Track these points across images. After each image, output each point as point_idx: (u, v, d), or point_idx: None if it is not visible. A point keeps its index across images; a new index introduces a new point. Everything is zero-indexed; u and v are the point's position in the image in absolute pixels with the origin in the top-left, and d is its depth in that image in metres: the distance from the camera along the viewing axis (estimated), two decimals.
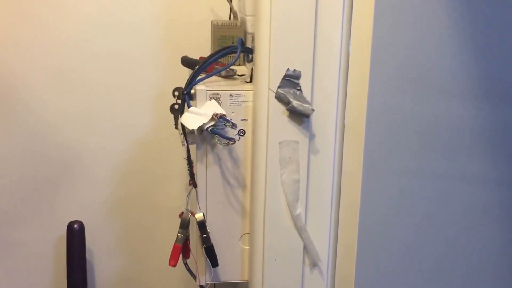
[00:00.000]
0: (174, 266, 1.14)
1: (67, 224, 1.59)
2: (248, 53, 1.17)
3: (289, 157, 1.06)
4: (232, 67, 1.18)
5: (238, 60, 1.15)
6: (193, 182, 1.12)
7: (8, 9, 1.50)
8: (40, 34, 1.52)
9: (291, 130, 1.04)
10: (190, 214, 1.14)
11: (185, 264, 1.19)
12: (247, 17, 1.09)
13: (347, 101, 1.04)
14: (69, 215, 1.62)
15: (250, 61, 1.17)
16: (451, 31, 0.95)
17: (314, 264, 1.10)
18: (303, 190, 1.07)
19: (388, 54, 0.96)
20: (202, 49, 1.41)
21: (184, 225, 1.14)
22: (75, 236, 1.57)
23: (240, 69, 1.26)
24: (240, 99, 1.10)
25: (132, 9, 1.53)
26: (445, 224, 1.03)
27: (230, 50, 1.15)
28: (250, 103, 1.10)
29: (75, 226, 1.58)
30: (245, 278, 1.18)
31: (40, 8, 1.51)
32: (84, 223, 1.60)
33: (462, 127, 0.99)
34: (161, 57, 1.56)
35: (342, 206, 1.08)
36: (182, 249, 1.15)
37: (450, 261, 1.05)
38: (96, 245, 1.67)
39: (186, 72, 1.28)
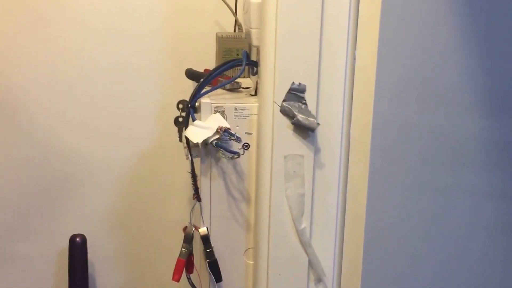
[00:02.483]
0: (178, 281, 1.13)
1: (69, 237, 1.58)
2: (253, 66, 1.17)
3: (294, 171, 1.05)
4: (237, 79, 1.17)
5: (243, 73, 1.15)
6: (197, 196, 1.11)
7: (12, 20, 1.50)
8: (44, 44, 1.52)
9: (296, 144, 1.04)
10: (193, 228, 1.13)
11: (189, 278, 1.18)
12: (252, 30, 1.09)
13: (352, 115, 1.03)
14: (71, 228, 1.61)
15: (255, 73, 1.16)
16: (457, 43, 0.94)
17: (319, 280, 1.09)
18: (308, 205, 1.06)
19: (394, 67, 0.96)
20: (206, 61, 1.41)
21: (188, 239, 1.13)
22: (77, 249, 1.56)
23: (245, 81, 1.26)
24: (245, 112, 1.09)
25: (137, 20, 1.53)
26: (451, 238, 1.02)
27: (235, 63, 1.14)
28: (255, 117, 1.09)
29: (78, 239, 1.56)
30: None
31: (44, 18, 1.51)
32: (86, 236, 1.59)
33: (468, 140, 0.98)
34: (165, 69, 1.56)
35: (348, 220, 1.07)
36: (186, 263, 1.13)
37: (456, 275, 1.03)
38: (98, 258, 1.66)
39: (190, 84, 1.28)
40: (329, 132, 1.04)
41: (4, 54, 1.52)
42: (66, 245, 1.58)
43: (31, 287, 1.67)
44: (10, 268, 1.65)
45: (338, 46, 1.01)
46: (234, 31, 1.43)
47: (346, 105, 1.03)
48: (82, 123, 1.58)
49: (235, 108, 1.09)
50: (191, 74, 1.28)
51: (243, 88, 1.21)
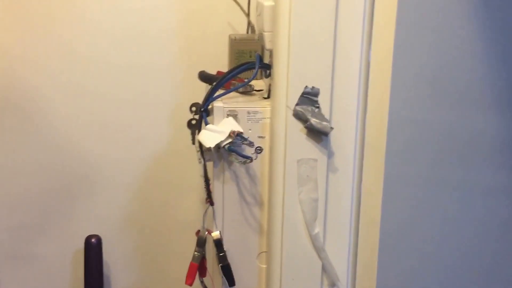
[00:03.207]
0: (191, 285, 1.13)
1: (84, 238, 1.59)
2: (266, 69, 1.16)
3: (307, 175, 1.04)
4: (250, 82, 1.17)
5: (255, 76, 1.14)
6: (209, 200, 1.11)
7: (28, 24, 1.52)
8: (59, 48, 1.53)
9: (309, 148, 1.03)
10: (206, 232, 1.13)
11: (202, 282, 1.18)
12: (265, 33, 1.08)
13: (367, 118, 1.02)
14: (87, 228, 1.62)
15: (268, 76, 1.16)
16: (472, 42, 0.92)
17: (333, 285, 1.08)
18: (322, 209, 1.05)
19: (410, 70, 0.94)
20: (220, 63, 1.40)
21: (201, 243, 1.13)
22: (93, 250, 1.58)
23: (258, 83, 1.25)
24: (258, 116, 1.09)
25: (150, 22, 1.53)
26: (468, 241, 1.01)
27: (248, 66, 1.13)
28: (268, 120, 1.08)
29: (93, 240, 1.58)
30: None
31: (59, 22, 1.52)
32: (101, 236, 1.60)
33: (484, 138, 0.96)
34: (178, 71, 1.56)
35: (362, 225, 1.06)
36: (199, 267, 1.13)
37: (471, 276, 1.02)
38: (113, 258, 1.67)
39: (204, 86, 1.27)
40: (343, 136, 1.03)
41: (20, 58, 1.53)
42: (82, 245, 1.60)
43: (47, 286, 1.69)
44: (27, 267, 1.67)
45: (352, 48, 1.00)
46: (247, 32, 1.42)
47: (360, 109, 1.02)
48: (97, 126, 1.59)
49: (248, 112, 1.09)
50: (204, 76, 1.27)
51: (256, 90, 1.20)
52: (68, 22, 1.52)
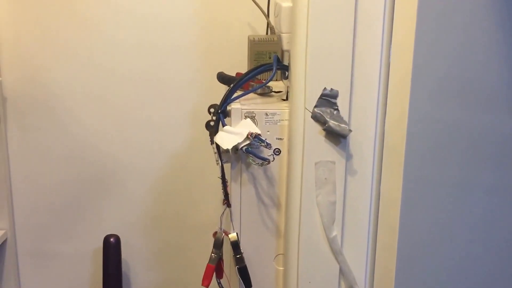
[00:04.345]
0: (207, 286, 1.13)
1: (103, 237, 1.60)
2: (284, 70, 1.15)
3: (325, 178, 1.03)
4: (268, 84, 1.16)
5: (275, 76, 1.13)
6: (227, 202, 1.11)
7: (52, 23, 1.53)
8: (83, 46, 1.55)
9: (327, 151, 1.02)
10: (223, 234, 1.12)
11: (219, 283, 1.18)
12: (283, 34, 1.07)
13: (386, 121, 1.00)
14: (106, 228, 1.64)
15: (287, 77, 1.15)
16: (498, 39, 0.90)
17: None
18: (339, 212, 1.04)
19: (431, 71, 0.92)
20: (239, 64, 1.40)
21: (218, 245, 1.13)
22: (111, 249, 1.59)
23: (277, 85, 1.24)
24: (276, 117, 1.08)
25: (170, 25, 1.53)
26: (493, 247, 0.98)
27: (266, 68, 1.13)
28: (286, 122, 1.08)
29: (112, 239, 1.59)
30: None
31: (84, 20, 1.53)
32: (120, 236, 1.61)
33: (510, 140, 0.94)
34: (197, 72, 1.56)
35: (380, 229, 1.05)
36: (216, 269, 1.13)
37: (500, 281, 0.99)
38: (131, 258, 1.68)
39: (222, 88, 1.27)
40: (362, 138, 1.02)
41: (44, 57, 1.55)
42: (100, 244, 1.61)
43: (67, 284, 1.71)
44: (47, 265, 1.69)
45: (372, 49, 0.98)
46: (267, 33, 1.41)
47: (380, 111, 1.01)
48: (116, 128, 1.60)
49: (266, 114, 1.08)
50: (222, 78, 1.27)
51: (274, 92, 1.20)
52: (93, 20, 1.53)
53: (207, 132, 1.14)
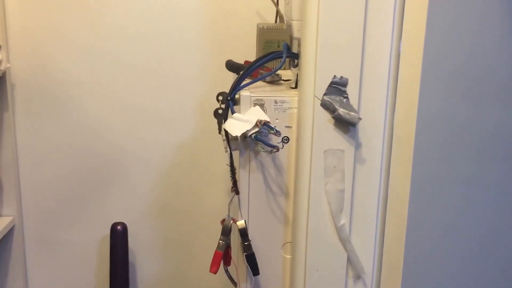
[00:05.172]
0: (215, 273, 1.13)
1: (110, 225, 1.61)
2: (294, 58, 1.15)
3: (334, 166, 1.03)
4: (278, 72, 1.16)
5: (283, 65, 1.13)
6: (235, 189, 1.11)
7: (57, 9, 1.53)
8: (91, 36, 1.55)
9: (336, 139, 1.01)
10: (231, 221, 1.13)
11: (226, 271, 1.18)
12: (293, 21, 1.07)
13: (396, 110, 1.00)
14: (113, 216, 1.64)
15: (296, 66, 1.14)
16: (510, 35, 0.89)
17: (358, 277, 1.07)
18: (348, 201, 1.04)
19: (442, 59, 0.92)
20: (248, 52, 1.39)
21: (226, 232, 1.13)
22: (118, 237, 1.59)
23: (286, 73, 1.24)
24: (285, 105, 1.08)
25: (177, 11, 1.53)
26: (503, 239, 0.98)
27: (276, 56, 1.13)
28: (295, 110, 1.07)
29: (119, 227, 1.59)
30: None
31: (92, 12, 1.54)
32: (127, 224, 1.62)
33: None
34: (205, 62, 1.56)
35: (389, 217, 1.04)
36: (223, 256, 1.13)
37: (507, 279, 0.99)
38: (138, 246, 1.69)
39: (231, 76, 1.27)
40: (371, 126, 1.01)
41: (50, 44, 1.55)
42: (107, 232, 1.62)
43: (74, 272, 1.72)
44: (54, 253, 1.70)
45: (382, 38, 0.98)
46: (276, 21, 1.41)
47: (390, 99, 1.00)
48: (123, 116, 1.60)
49: (275, 101, 1.08)
50: (231, 65, 1.27)
51: (283, 80, 1.19)
52: (100, 13, 1.53)
53: (214, 122, 1.14)
